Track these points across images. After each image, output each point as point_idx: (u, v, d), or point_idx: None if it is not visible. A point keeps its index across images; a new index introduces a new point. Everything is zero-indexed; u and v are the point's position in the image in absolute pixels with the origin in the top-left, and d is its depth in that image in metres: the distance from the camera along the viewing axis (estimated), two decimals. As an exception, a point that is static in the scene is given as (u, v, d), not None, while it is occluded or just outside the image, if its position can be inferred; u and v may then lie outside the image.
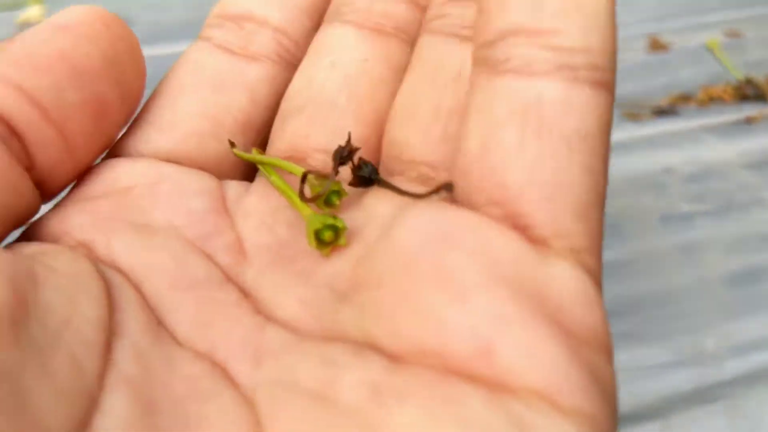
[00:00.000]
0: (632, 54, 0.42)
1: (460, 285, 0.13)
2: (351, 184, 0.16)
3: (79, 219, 0.15)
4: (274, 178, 0.17)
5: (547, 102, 0.14)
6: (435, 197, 0.15)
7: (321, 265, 0.15)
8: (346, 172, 0.17)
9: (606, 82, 0.14)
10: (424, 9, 0.19)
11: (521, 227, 0.14)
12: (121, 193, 0.16)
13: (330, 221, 0.15)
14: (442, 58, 0.17)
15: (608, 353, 0.13)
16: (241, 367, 0.13)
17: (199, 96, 0.18)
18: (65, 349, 0.12)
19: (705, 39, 0.44)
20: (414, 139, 0.16)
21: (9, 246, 0.15)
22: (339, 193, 0.16)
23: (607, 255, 0.34)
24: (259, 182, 0.17)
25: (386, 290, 0.13)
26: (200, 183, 0.17)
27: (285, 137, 0.18)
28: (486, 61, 0.15)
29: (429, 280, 0.13)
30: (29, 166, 0.15)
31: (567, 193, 0.14)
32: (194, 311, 0.14)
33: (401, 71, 0.18)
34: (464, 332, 0.12)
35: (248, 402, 0.13)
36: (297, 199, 0.16)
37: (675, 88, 0.41)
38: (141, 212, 0.16)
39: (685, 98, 0.40)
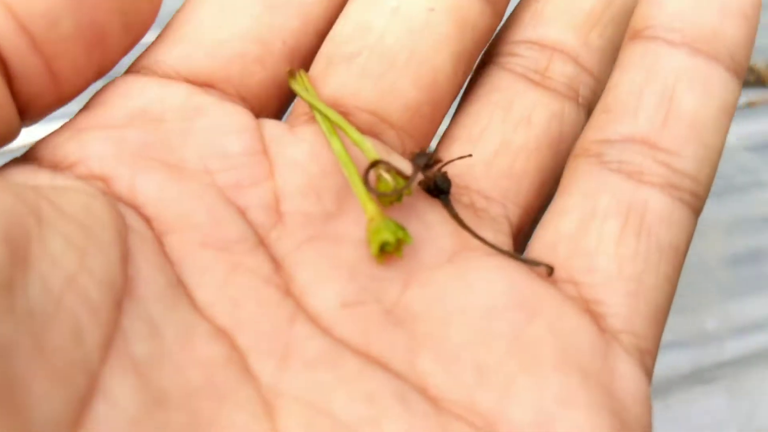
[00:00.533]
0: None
1: (534, 358, 0.13)
2: (420, 185, 0.15)
3: (101, 148, 0.13)
4: (337, 145, 0.15)
5: (651, 209, 0.15)
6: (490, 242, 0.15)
7: (369, 265, 0.14)
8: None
9: (699, 209, 0.16)
10: None
11: (594, 314, 0.14)
12: (150, 123, 0.14)
13: (399, 234, 0.14)
14: (511, 97, 0.17)
15: None
16: (265, 363, 0.12)
17: (251, 13, 0.16)
18: (66, 318, 0.10)
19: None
20: (476, 167, 0.16)
21: (16, 165, 0.13)
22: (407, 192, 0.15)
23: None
24: (308, 130, 0.16)
25: (452, 332, 0.13)
26: (239, 119, 0.15)
27: (329, 85, 0.16)
28: (599, 155, 0.16)
29: (503, 343, 0.13)
30: (11, 92, 0.13)
31: (648, 296, 0.14)
32: (222, 278, 0.13)
33: (467, 28, 0.17)
34: (528, 402, 0.12)
35: (269, 409, 0.11)
36: (362, 187, 0.14)
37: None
38: (172, 150, 0.14)
39: (686, 84, 0.41)
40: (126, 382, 0.10)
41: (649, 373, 0.14)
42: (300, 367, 0.12)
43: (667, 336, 0.29)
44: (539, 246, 0.15)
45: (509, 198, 0.16)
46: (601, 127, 0.16)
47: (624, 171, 0.15)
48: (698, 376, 0.29)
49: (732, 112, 0.17)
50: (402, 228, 0.14)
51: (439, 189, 0.15)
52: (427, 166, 0.15)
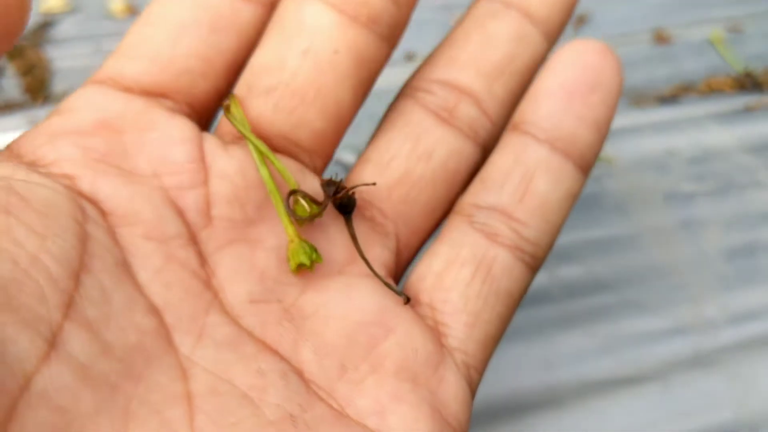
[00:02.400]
0: (638, 46, 0.44)
1: (381, 364, 0.16)
2: (330, 201, 0.18)
3: (71, 152, 0.16)
4: (265, 173, 0.17)
5: (498, 263, 0.19)
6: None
7: (277, 270, 0.17)
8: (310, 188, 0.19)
9: (536, 268, 0.20)
10: (400, 5, 0.20)
11: (439, 333, 0.18)
12: (112, 133, 0.17)
13: (314, 256, 0.17)
14: (420, 132, 0.20)
15: None
16: (184, 338, 0.15)
17: (198, 34, 0.18)
18: (31, 284, 0.12)
19: (707, 33, 0.45)
20: (381, 190, 0.20)
21: (1, 159, 0.15)
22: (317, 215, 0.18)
23: (615, 230, 0.36)
24: (238, 149, 0.18)
25: (329, 334, 0.16)
26: (185, 132, 0.18)
27: (250, 113, 0.19)
28: (469, 216, 0.20)
29: (362, 349, 0.16)
30: None
31: (482, 327, 0.19)
32: (159, 265, 0.15)
33: (364, 64, 0.20)
34: (371, 397, 0.16)
35: (183, 374, 0.14)
36: (285, 213, 0.17)
37: (678, 78, 0.42)
38: (128, 157, 0.17)
39: (688, 88, 0.41)
40: (81, 335, 0.13)
41: (471, 384, 0.18)
42: (211, 345, 0.15)
43: (668, 323, 0.31)
44: (415, 275, 0.19)
45: (401, 220, 0.20)
46: (476, 193, 0.20)
47: (484, 231, 0.19)
48: (697, 361, 0.30)
49: (575, 199, 0.21)
50: (315, 250, 0.17)
51: (344, 207, 0.18)
52: (336, 193, 0.18)
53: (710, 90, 0.41)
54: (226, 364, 0.15)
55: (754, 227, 0.35)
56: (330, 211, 0.19)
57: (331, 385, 0.16)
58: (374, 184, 0.18)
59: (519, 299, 0.20)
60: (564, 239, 0.34)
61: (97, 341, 0.13)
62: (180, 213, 0.16)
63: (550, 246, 0.20)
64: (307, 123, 0.19)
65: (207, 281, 0.16)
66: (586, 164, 0.21)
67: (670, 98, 0.41)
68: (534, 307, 0.31)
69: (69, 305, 0.13)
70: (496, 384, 0.28)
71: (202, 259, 0.16)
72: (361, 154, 0.21)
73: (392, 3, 0.20)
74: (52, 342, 0.12)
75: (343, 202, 0.18)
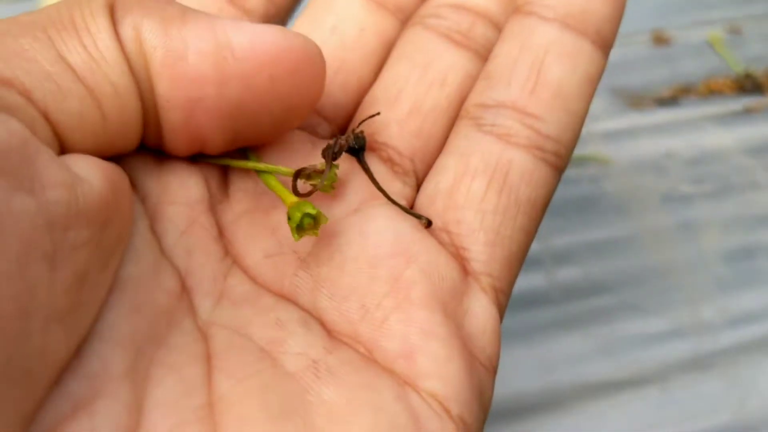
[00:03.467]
0: (637, 47, 0.44)
1: (406, 297, 0.15)
2: (345, 151, 0.17)
3: None
4: (252, 165, 0.17)
5: (515, 168, 0.17)
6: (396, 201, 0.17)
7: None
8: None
9: (561, 167, 0.18)
10: None
11: (461, 258, 0.16)
12: None
13: (315, 214, 0.15)
14: (431, 58, 0.19)
15: (494, 376, 0.16)
16: (204, 301, 0.15)
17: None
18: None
19: (707, 34, 0.45)
20: (392, 127, 0.18)
21: None
22: (332, 181, 0.16)
23: (613, 232, 0.36)
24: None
25: (345, 277, 0.15)
26: None
27: None
28: (476, 118, 0.18)
29: (383, 285, 0.15)
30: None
31: (504, 244, 0.17)
32: (183, 228, 0.15)
33: (388, 45, 0.19)
34: (397, 335, 0.14)
35: (203, 337, 0.14)
36: (276, 184, 0.16)
37: (677, 80, 0.42)
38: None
39: (687, 90, 0.42)
40: (116, 295, 0.13)
41: (501, 308, 0.16)
42: (228, 305, 0.15)
43: (666, 325, 0.31)
44: (423, 198, 0.17)
45: (417, 156, 0.18)
46: (480, 92, 0.18)
47: (495, 133, 0.17)
48: (696, 363, 0.30)
49: (596, 82, 0.18)
50: (317, 211, 0.15)
51: (353, 149, 0.17)
52: (338, 153, 0.17)
53: (709, 91, 0.41)
54: (244, 320, 0.14)
55: (753, 229, 0.35)
56: (346, 161, 0.17)
57: (353, 329, 0.15)
58: (378, 114, 0.17)
59: (544, 207, 0.18)
60: (562, 241, 0.34)
61: (131, 302, 0.13)
62: (205, 181, 0.16)
63: (574, 140, 0.18)
64: (328, 94, 0.19)
65: (226, 250, 0.16)
66: (604, 41, 0.18)
67: (669, 100, 0.41)
68: (532, 309, 0.31)
69: (108, 264, 0.13)
70: (495, 386, 0.29)
71: (221, 228, 0.16)
72: (366, 96, 0.20)
73: None
74: (102, 300, 0.13)
75: (352, 142, 0.17)
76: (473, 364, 0.15)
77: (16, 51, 0.13)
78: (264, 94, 0.15)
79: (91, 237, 0.12)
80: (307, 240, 0.16)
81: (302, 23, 0.20)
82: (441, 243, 0.16)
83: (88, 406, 0.11)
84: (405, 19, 0.20)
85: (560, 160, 0.18)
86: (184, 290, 0.14)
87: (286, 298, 0.15)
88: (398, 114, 0.18)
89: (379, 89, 0.19)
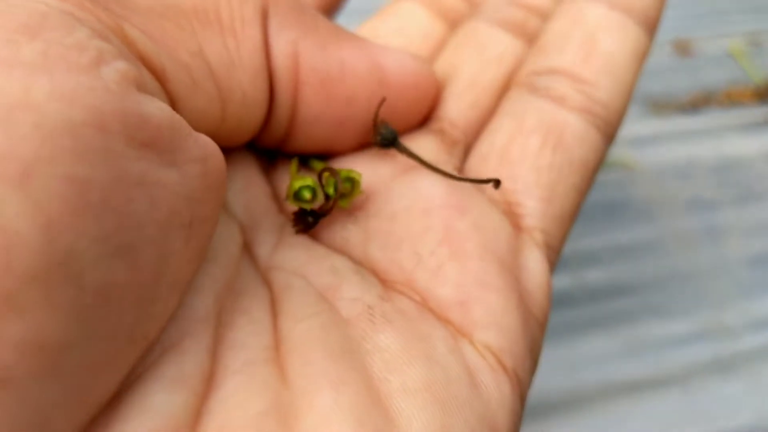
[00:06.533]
0: (660, 56, 0.44)
1: (460, 248, 0.15)
2: (375, 144, 0.17)
3: None
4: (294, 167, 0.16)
5: (568, 129, 0.17)
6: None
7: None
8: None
9: (611, 135, 0.18)
10: (473, 5, 0.21)
11: (514, 215, 0.16)
12: None
13: (309, 183, 0.15)
14: (487, 40, 0.20)
15: (544, 331, 0.16)
16: (261, 248, 0.15)
17: None
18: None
19: (728, 45, 0.45)
20: (448, 101, 0.18)
21: None
22: (354, 186, 0.16)
23: (638, 235, 0.37)
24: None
25: (396, 227, 0.15)
26: None
27: None
28: (530, 85, 0.18)
29: (437, 235, 0.15)
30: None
31: (558, 201, 0.17)
32: (240, 188, 0.16)
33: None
34: (453, 285, 0.14)
35: (266, 281, 0.14)
36: (294, 169, 0.16)
37: (698, 89, 0.42)
38: None
39: (708, 99, 0.42)
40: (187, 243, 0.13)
41: (552, 265, 0.16)
42: (286, 250, 0.15)
43: (689, 328, 0.31)
44: (475, 158, 0.17)
45: (472, 126, 0.18)
46: (534, 61, 0.19)
47: (549, 96, 0.18)
48: (717, 365, 0.30)
49: (642, 60, 0.19)
50: (340, 183, 0.15)
51: (384, 143, 0.16)
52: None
53: (730, 100, 0.42)
54: (301, 263, 0.15)
55: (775, 236, 0.35)
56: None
57: (407, 276, 0.14)
58: (384, 99, 0.16)
59: (594, 172, 0.18)
60: (588, 243, 0.34)
61: (208, 253, 0.13)
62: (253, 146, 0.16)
63: (623, 111, 0.18)
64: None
65: (280, 207, 0.16)
66: (650, 23, 0.19)
67: (690, 108, 0.41)
68: (558, 310, 0.32)
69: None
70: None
71: (274, 188, 0.16)
72: None
73: (466, 3, 0.21)
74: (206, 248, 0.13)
75: (382, 138, 0.16)
76: (528, 319, 0.15)
77: (162, 34, 0.12)
78: (398, 114, 0.16)
79: (215, 210, 0.12)
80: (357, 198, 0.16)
81: (369, 23, 0.20)
82: (492, 201, 0.16)
83: (178, 345, 0.12)
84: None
85: (609, 127, 0.18)
86: (246, 240, 0.15)
87: (336, 248, 0.15)
88: (455, 89, 0.18)
89: (437, 67, 0.19)
